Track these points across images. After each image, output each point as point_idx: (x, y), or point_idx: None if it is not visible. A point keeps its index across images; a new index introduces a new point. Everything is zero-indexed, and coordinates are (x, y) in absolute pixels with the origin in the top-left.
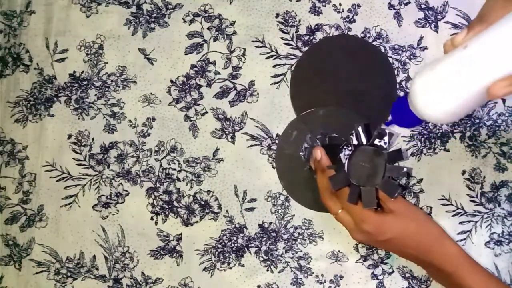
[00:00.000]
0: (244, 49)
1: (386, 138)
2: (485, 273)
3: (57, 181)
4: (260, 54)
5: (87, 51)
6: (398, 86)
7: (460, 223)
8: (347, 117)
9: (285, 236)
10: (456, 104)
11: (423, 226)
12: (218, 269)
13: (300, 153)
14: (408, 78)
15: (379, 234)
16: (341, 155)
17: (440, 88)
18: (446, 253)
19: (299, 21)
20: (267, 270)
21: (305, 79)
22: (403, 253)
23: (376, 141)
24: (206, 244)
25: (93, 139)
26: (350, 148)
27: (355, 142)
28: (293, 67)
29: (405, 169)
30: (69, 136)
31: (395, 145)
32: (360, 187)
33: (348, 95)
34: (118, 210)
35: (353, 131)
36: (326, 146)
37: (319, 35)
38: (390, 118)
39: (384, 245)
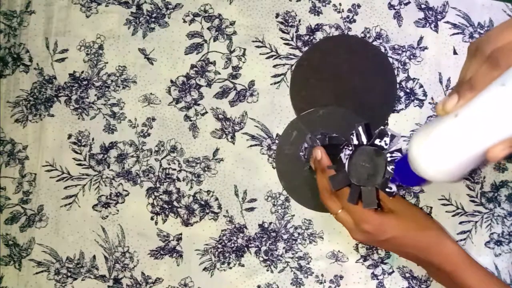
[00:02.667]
0: (244, 49)
1: (386, 138)
2: (484, 272)
3: (57, 181)
4: (260, 54)
5: (87, 51)
6: (398, 86)
7: (460, 223)
8: (347, 117)
9: (285, 236)
10: (455, 168)
11: (423, 225)
12: (218, 269)
13: (300, 153)
14: (408, 78)
15: (379, 234)
16: (342, 155)
17: (437, 154)
18: (445, 253)
19: (299, 21)
20: (267, 270)
21: (305, 79)
22: (403, 252)
23: (377, 141)
24: (206, 244)
25: (93, 139)
26: (350, 148)
27: (355, 142)
28: (293, 67)
29: None
30: (69, 136)
31: (396, 146)
32: (360, 187)
33: (348, 95)
34: (118, 210)
35: (354, 131)
36: (326, 146)
37: (319, 35)
38: (395, 176)
39: (384, 245)
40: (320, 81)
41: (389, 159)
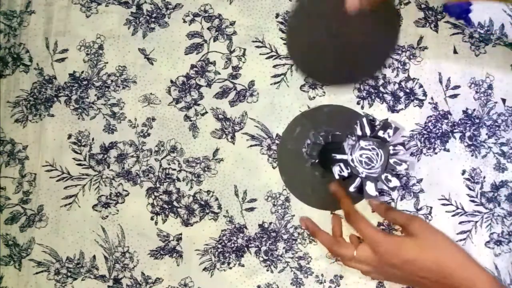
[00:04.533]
0: (244, 49)
1: (390, 130)
2: None
3: (57, 181)
4: (260, 54)
5: (87, 51)
6: (398, 86)
7: (460, 223)
8: (351, 115)
9: (285, 236)
10: None
11: (446, 247)
12: (218, 269)
13: (303, 149)
14: (408, 78)
15: (395, 255)
16: (345, 144)
17: None
18: (470, 276)
19: None
20: (267, 270)
21: (303, 26)
22: (419, 277)
23: (380, 133)
24: (206, 244)
25: (93, 139)
26: (354, 138)
27: (359, 132)
28: (293, 67)
29: (407, 162)
30: (69, 136)
31: (399, 140)
32: (362, 178)
33: (345, 44)
34: (118, 210)
35: (358, 121)
36: (329, 143)
37: None
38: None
39: (401, 270)
40: (318, 25)
41: (391, 152)
